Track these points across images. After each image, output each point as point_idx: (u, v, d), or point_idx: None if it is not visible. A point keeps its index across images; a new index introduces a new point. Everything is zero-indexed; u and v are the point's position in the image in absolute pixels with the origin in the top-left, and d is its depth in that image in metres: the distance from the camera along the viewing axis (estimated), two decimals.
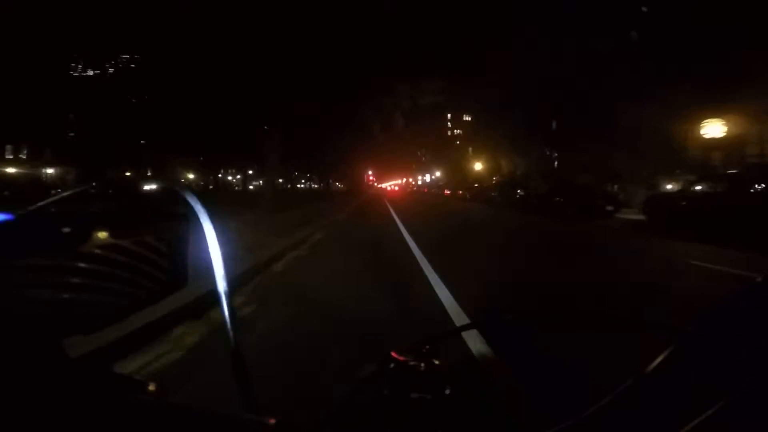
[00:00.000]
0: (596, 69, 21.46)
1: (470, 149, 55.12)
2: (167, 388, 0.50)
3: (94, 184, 0.63)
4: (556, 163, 32.44)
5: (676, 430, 0.30)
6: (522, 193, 24.62)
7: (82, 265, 0.44)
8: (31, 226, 0.45)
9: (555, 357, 2.58)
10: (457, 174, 52.20)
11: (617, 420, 0.35)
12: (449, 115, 74.06)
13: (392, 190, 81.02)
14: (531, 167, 32.50)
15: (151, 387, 0.49)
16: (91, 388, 0.45)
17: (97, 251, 0.45)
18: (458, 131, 71.46)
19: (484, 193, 31.76)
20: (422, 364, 0.56)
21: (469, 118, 66.45)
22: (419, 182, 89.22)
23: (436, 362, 0.57)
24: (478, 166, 41.40)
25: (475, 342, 2.89)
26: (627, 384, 0.36)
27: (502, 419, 0.62)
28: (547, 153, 33.29)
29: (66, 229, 0.44)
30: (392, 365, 0.56)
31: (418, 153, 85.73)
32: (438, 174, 65.63)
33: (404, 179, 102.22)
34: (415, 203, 29.77)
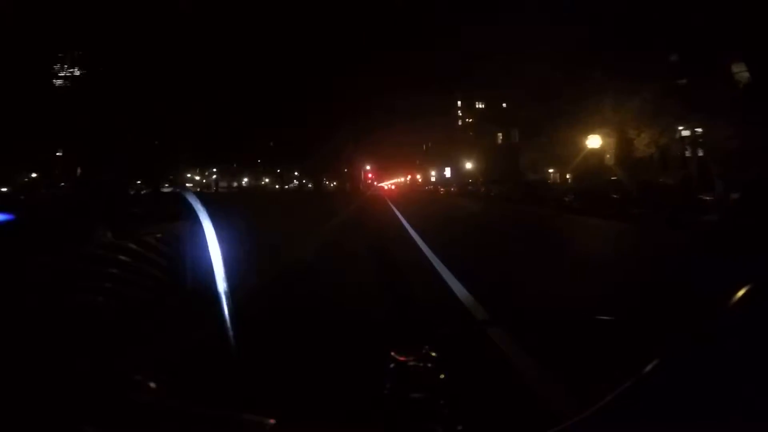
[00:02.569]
0: None
1: (499, 135, 40.24)
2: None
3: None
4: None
5: (676, 430, 0.30)
6: None
7: (81, 265, 0.44)
8: (31, 226, 0.45)
9: (557, 355, 2.57)
10: (492, 168, 37.26)
11: (617, 420, 0.35)
12: (459, 103, 66.28)
13: (389, 189, 71.85)
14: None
15: (151, 387, 0.49)
16: (92, 388, 0.45)
17: (98, 251, 0.45)
18: (469, 120, 63.10)
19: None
20: (422, 364, 0.56)
21: (482, 106, 54.41)
22: (432, 179, 74.62)
23: (436, 362, 0.57)
24: (595, 141, 20.52)
25: (480, 342, 2.88)
26: (627, 384, 0.36)
27: (502, 418, 0.62)
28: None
29: (66, 230, 0.44)
30: (392, 365, 0.56)
31: (424, 147, 77.35)
32: (469, 166, 47.93)
33: (408, 176, 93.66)
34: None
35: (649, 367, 0.35)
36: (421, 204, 22.11)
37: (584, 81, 19.63)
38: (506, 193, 23.56)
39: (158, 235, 0.52)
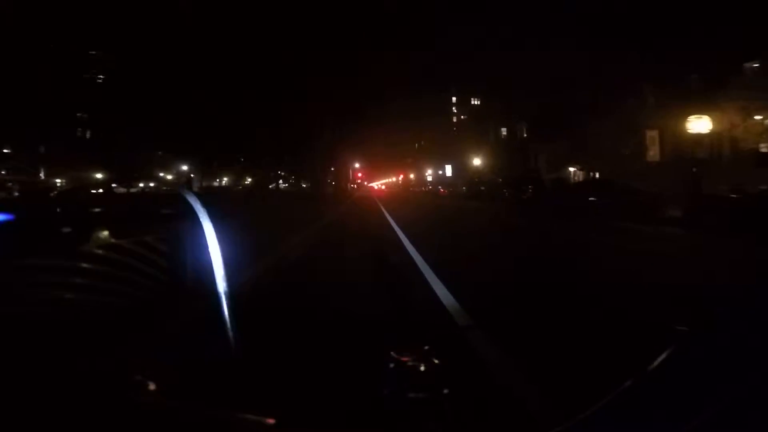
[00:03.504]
0: None
1: (503, 130, 36.20)
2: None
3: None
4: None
5: (676, 430, 0.30)
6: None
7: (82, 265, 0.44)
8: (31, 226, 0.45)
9: (556, 355, 2.58)
10: (505, 166, 32.30)
11: (617, 420, 0.35)
12: (454, 99, 58.99)
13: (380, 190, 65.67)
14: None
15: (151, 387, 0.49)
16: (93, 388, 0.45)
17: (98, 251, 0.45)
18: (464, 117, 55.66)
19: None
20: (422, 364, 0.56)
21: (478, 102, 51.89)
22: (428, 178, 61.21)
23: (436, 362, 0.57)
24: (703, 125, 11.27)
25: (478, 342, 2.88)
26: (627, 384, 0.36)
27: (501, 419, 0.62)
28: None
29: (66, 229, 0.44)
30: (392, 365, 0.56)
31: (416, 145, 72.25)
32: (478, 163, 39.76)
33: (401, 176, 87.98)
34: None
35: (648, 367, 0.35)
36: (432, 216, 13.31)
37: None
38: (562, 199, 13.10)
39: (158, 235, 0.52)
